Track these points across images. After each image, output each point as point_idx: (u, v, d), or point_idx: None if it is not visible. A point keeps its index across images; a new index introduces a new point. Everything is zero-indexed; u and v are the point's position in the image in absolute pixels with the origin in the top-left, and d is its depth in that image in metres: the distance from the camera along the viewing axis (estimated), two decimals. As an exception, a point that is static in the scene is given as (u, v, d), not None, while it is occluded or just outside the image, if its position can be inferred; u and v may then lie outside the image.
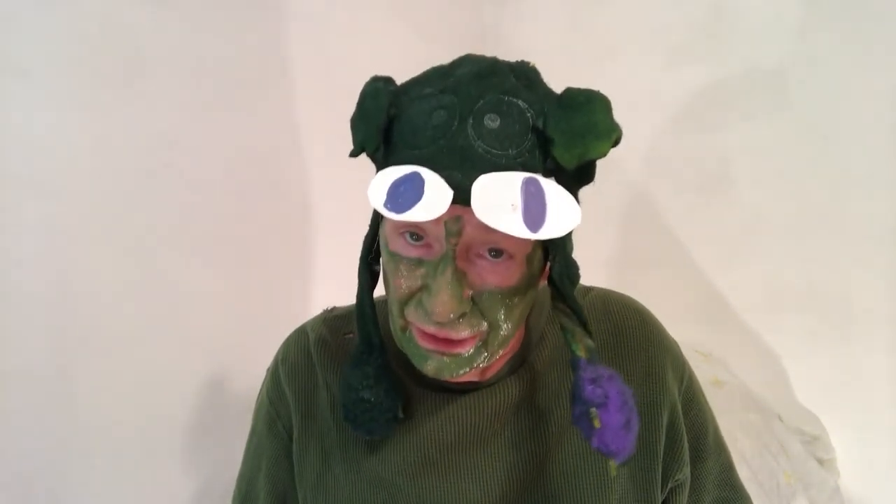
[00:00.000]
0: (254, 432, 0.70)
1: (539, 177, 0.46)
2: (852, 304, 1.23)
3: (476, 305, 0.51)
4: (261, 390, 0.71)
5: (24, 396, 0.87)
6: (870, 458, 1.23)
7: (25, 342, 0.88)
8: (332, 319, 0.69)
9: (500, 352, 0.55)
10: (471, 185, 0.45)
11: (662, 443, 0.63)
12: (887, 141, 1.17)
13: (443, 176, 0.46)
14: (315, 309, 0.74)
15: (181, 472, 1.06)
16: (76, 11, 0.93)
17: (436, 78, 0.52)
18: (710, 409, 0.69)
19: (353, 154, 0.54)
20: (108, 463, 0.96)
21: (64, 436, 0.91)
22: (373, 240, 0.57)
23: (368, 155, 0.54)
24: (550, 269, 0.53)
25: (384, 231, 0.54)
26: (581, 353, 0.53)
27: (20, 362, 0.87)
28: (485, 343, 0.53)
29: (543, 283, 0.57)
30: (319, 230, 1.29)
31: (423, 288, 0.50)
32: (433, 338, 0.52)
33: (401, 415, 0.59)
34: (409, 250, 0.51)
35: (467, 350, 0.52)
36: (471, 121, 0.47)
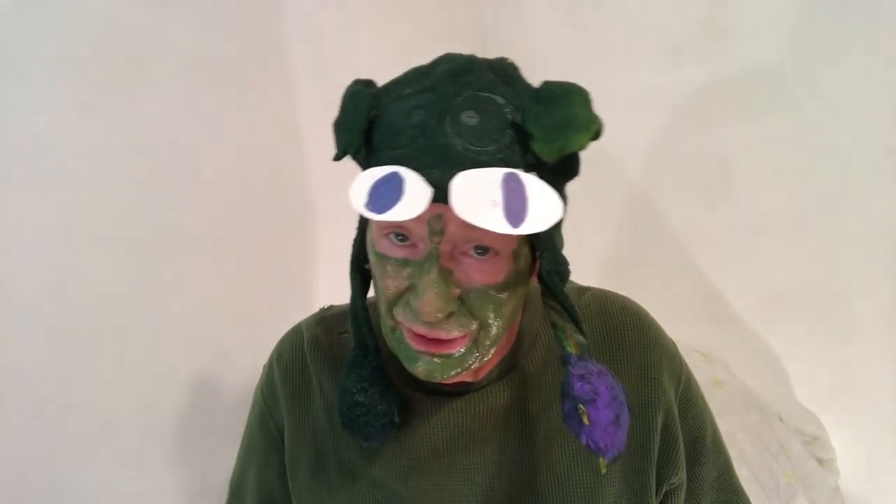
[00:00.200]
0: (248, 427, 0.71)
1: (520, 172, 0.46)
2: (852, 304, 1.23)
3: (464, 304, 0.50)
4: (256, 387, 0.71)
5: (24, 396, 0.87)
6: (870, 458, 1.23)
7: (25, 342, 0.88)
8: (328, 318, 0.69)
9: (492, 351, 0.55)
10: (450, 182, 0.45)
11: (657, 446, 0.62)
12: (887, 141, 1.17)
13: (422, 175, 0.46)
14: (316, 308, 0.74)
15: (182, 471, 1.06)
16: (76, 11, 0.93)
17: (415, 78, 0.51)
18: (708, 411, 0.68)
19: (337, 158, 0.54)
20: (109, 463, 0.96)
21: (64, 436, 0.91)
22: (362, 242, 0.57)
23: (352, 157, 0.54)
24: (539, 265, 0.53)
25: (370, 232, 0.54)
26: (571, 350, 0.52)
27: (20, 362, 0.87)
28: (475, 343, 0.52)
29: (534, 281, 0.57)
30: (320, 229, 1.29)
31: (410, 288, 0.50)
32: (423, 338, 0.51)
33: (397, 419, 0.59)
34: (395, 251, 0.51)
35: (458, 350, 0.52)
36: (448, 118, 0.47)
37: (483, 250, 0.49)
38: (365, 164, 0.52)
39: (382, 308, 0.54)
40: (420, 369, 0.52)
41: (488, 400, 0.61)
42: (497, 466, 0.61)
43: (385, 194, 0.46)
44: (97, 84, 0.95)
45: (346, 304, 0.64)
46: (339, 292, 0.75)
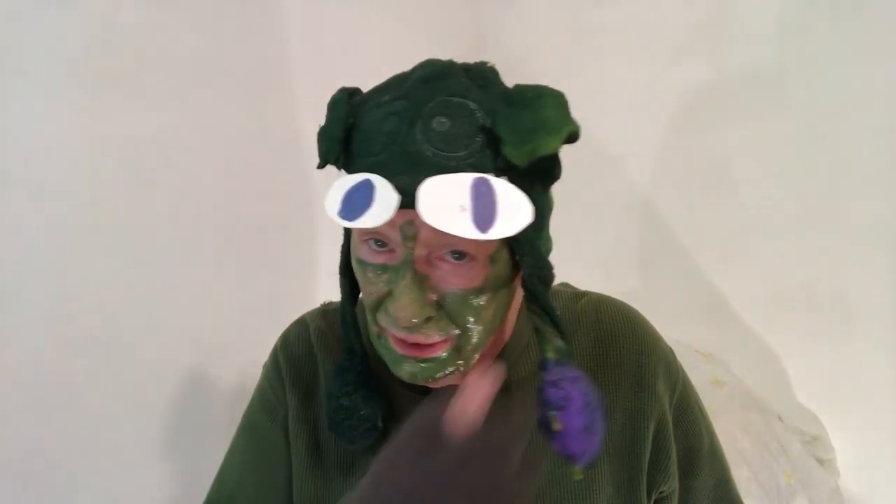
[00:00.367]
0: (246, 419, 0.69)
1: (490, 176, 0.46)
2: (852, 303, 1.23)
3: (443, 309, 0.50)
4: (258, 383, 0.70)
5: (24, 396, 0.87)
6: (870, 458, 1.23)
7: (25, 342, 0.88)
8: (331, 313, 0.69)
9: (476, 356, 0.54)
10: (417, 191, 0.45)
11: (648, 452, 0.62)
12: (887, 141, 1.17)
13: (392, 181, 0.46)
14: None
15: (182, 471, 1.06)
16: (76, 11, 0.93)
17: (393, 85, 0.52)
18: (707, 421, 0.67)
19: (319, 166, 0.55)
20: (109, 462, 0.96)
21: (64, 436, 0.91)
22: (348, 248, 0.57)
23: (334, 165, 0.55)
24: (521, 271, 0.53)
25: (352, 239, 0.55)
26: (550, 355, 0.52)
27: (20, 362, 0.87)
28: (457, 348, 0.52)
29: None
30: (320, 229, 1.29)
31: (389, 294, 0.50)
32: (405, 343, 0.52)
33: (380, 424, 0.59)
34: (374, 256, 0.52)
35: (440, 353, 0.52)
36: (419, 124, 0.47)
37: (459, 255, 0.49)
38: (343, 170, 0.53)
39: (367, 314, 0.54)
40: (404, 372, 0.53)
41: None
42: None
43: (357, 202, 0.47)
44: (97, 84, 0.95)
45: None
46: (338, 292, 0.75)
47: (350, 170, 0.51)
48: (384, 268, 0.51)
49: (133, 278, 0.99)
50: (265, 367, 0.69)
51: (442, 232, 0.45)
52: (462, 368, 0.54)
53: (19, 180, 0.87)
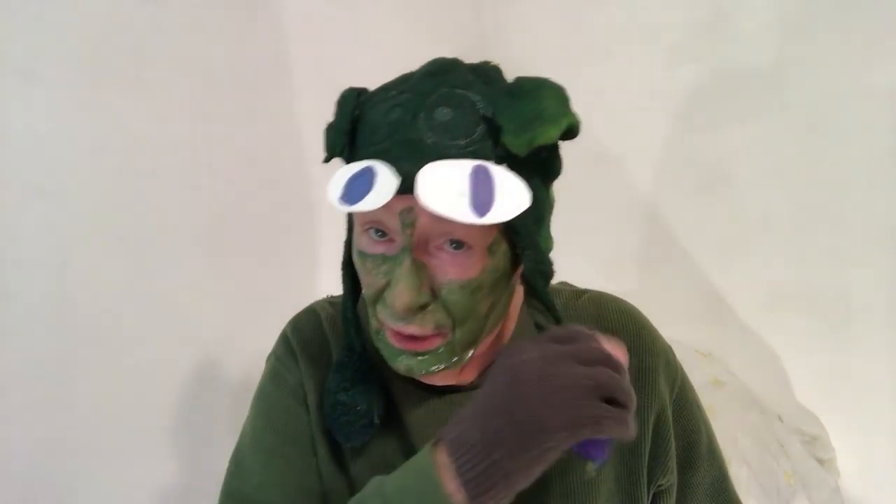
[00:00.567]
0: (263, 404, 0.65)
1: (489, 164, 0.47)
2: (852, 304, 1.23)
3: (440, 300, 0.51)
4: (268, 371, 0.68)
5: (24, 396, 0.87)
6: (870, 458, 1.23)
7: (25, 342, 0.88)
8: (338, 304, 0.69)
9: (471, 351, 0.55)
10: (416, 176, 0.46)
11: (648, 446, 0.62)
12: (887, 141, 1.17)
13: (393, 167, 0.48)
14: (315, 309, 0.74)
15: (183, 470, 1.06)
16: (76, 11, 0.93)
17: (400, 81, 0.53)
18: (705, 419, 0.68)
19: (325, 160, 0.56)
20: (109, 462, 0.96)
21: (64, 435, 0.91)
22: (350, 245, 0.58)
23: (340, 158, 0.55)
24: (521, 265, 0.53)
25: (354, 232, 0.55)
26: None
27: (20, 362, 0.87)
28: (451, 343, 0.53)
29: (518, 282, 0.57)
30: (320, 229, 1.29)
31: (387, 284, 0.51)
32: (402, 336, 0.52)
33: (377, 421, 0.59)
34: (374, 247, 0.52)
35: (436, 347, 0.53)
36: (423, 114, 0.49)
37: (457, 244, 0.50)
38: (348, 163, 0.53)
39: (368, 308, 0.55)
40: (401, 366, 0.53)
41: None
42: None
43: (358, 187, 0.48)
44: (98, 84, 0.95)
45: None
46: (338, 292, 0.75)
47: (353, 160, 0.52)
48: (383, 258, 0.52)
49: (133, 277, 0.99)
50: (273, 355, 0.67)
51: (440, 219, 0.47)
52: (457, 364, 0.54)
53: (19, 180, 0.87)
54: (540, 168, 0.52)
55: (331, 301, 0.70)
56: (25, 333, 0.88)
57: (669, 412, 0.64)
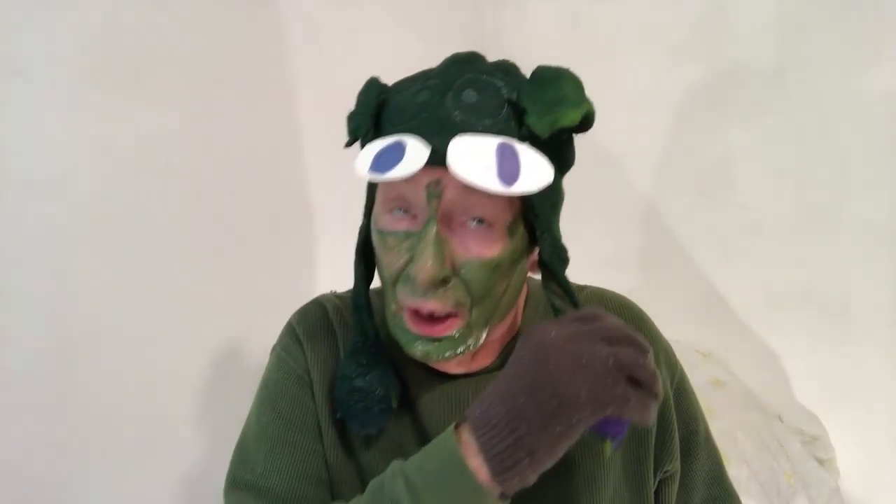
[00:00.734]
0: (268, 393, 0.65)
1: (514, 141, 0.50)
2: (852, 304, 1.23)
3: (460, 278, 0.52)
4: (273, 362, 0.67)
5: (24, 396, 0.87)
6: (870, 458, 1.23)
7: (25, 342, 0.88)
8: (343, 296, 0.70)
9: (484, 334, 0.56)
10: (447, 147, 0.49)
11: (654, 433, 0.64)
12: (887, 141, 1.17)
13: (423, 140, 0.50)
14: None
15: (182, 471, 1.06)
16: (76, 12, 0.93)
17: (422, 74, 0.56)
18: (701, 409, 0.70)
19: (348, 144, 0.57)
20: (109, 462, 0.96)
21: (64, 436, 0.91)
22: (367, 229, 0.59)
23: (361, 143, 0.57)
24: (540, 249, 0.55)
25: (374, 213, 0.57)
26: None
27: (20, 362, 0.87)
28: (468, 325, 0.54)
29: (533, 272, 0.59)
30: (320, 229, 1.29)
31: (410, 260, 0.52)
32: (420, 320, 0.53)
33: (394, 405, 0.59)
34: (396, 224, 0.54)
35: (452, 332, 0.54)
36: (450, 95, 0.52)
37: (479, 221, 0.52)
38: (372, 139, 0.55)
39: (387, 290, 0.55)
40: (417, 351, 0.54)
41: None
42: None
43: (388, 159, 0.50)
44: (98, 84, 0.95)
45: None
46: (339, 288, 0.75)
47: (376, 138, 0.54)
48: (406, 234, 0.53)
49: (133, 277, 0.99)
50: (278, 345, 0.67)
51: (466, 194, 0.50)
52: (472, 347, 0.56)
53: (19, 180, 0.87)
54: (557, 154, 0.54)
55: (336, 294, 0.70)
56: (25, 333, 0.88)
57: (671, 400, 0.66)
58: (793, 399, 1.31)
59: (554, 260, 0.55)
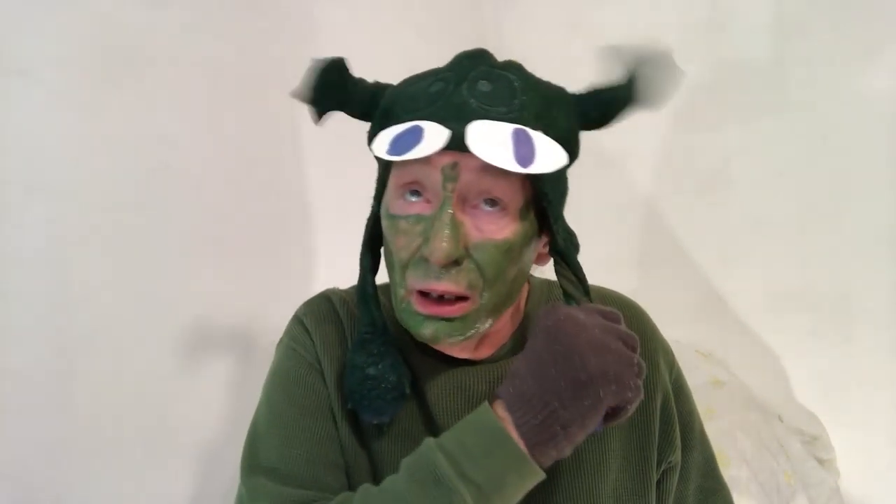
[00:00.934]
0: (280, 381, 0.64)
1: (527, 128, 0.52)
2: (852, 304, 1.23)
3: (472, 260, 0.53)
4: (278, 356, 0.67)
5: (24, 396, 0.87)
6: (870, 458, 1.23)
7: (25, 342, 0.88)
8: (348, 290, 0.70)
9: (491, 320, 0.57)
10: (465, 130, 0.50)
11: (657, 425, 0.65)
12: (887, 141, 1.17)
13: (440, 125, 0.51)
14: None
15: (182, 471, 1.06)
16: (76, 11, 0.93)
17: (432, 70, 0.58)
18: (695, 404, 0.72)
19: (316, 118, 0.61)
20: (109, 463, 0.96)
21: (64, 436, 0.91)
22: (375, 221, 0.60)
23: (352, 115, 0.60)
24: (554, 235, 0.57)
25: (385, 200, 0.58)
26: None
27: (20, 362, 0.87)
28: (478, 309, 0.55)
29: (540, 262, 0.61)
30: (319, 229, 1.29)
31: (423, 242, 0.53)
32: (429, 301, 0.54)
33: (407, 391, 0.59)
34: (409, 208, 0.55)
35: (463, 314, 0.54)
36: (465, 85, 0.53)
37: (492, 202, 0.53)
38: (380, 128, 0.56)
39: (397, 276, 0.56)
40: (427, 332, 0.55)
41: (504, 371, 0.63)
42: None
43: (406, 141, 0.51)
44: (98, 84, 0.95)
45: (354, 286, 0.65)
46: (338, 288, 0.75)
47: (388, 125, 0.55)
48: (419, 218, 0.54)
49: (133, 277, 0.99)
50: (286, 336, 0.67)
51: (481, 176, 0.51)
52: (480, 330, 0.57)
53: (19, 180, 0.87)
54: (566, 146, 0.55)
55: (339, 289, 0.71)
56: (25, 333, 0.88)
57: (671, 392, 0.68)
58: (793, 399, 1.31)
59: (567, 245, 0.57)
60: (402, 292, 0.56)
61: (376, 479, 0.60)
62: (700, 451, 0.70)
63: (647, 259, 1.53)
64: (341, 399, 0.62)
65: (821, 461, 1.23)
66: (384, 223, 0.58)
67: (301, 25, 1.27)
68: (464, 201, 0.53)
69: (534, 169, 0.50)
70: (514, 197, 0.53)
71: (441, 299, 0.54)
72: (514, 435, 0.48)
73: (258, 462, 0.60)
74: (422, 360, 0.63)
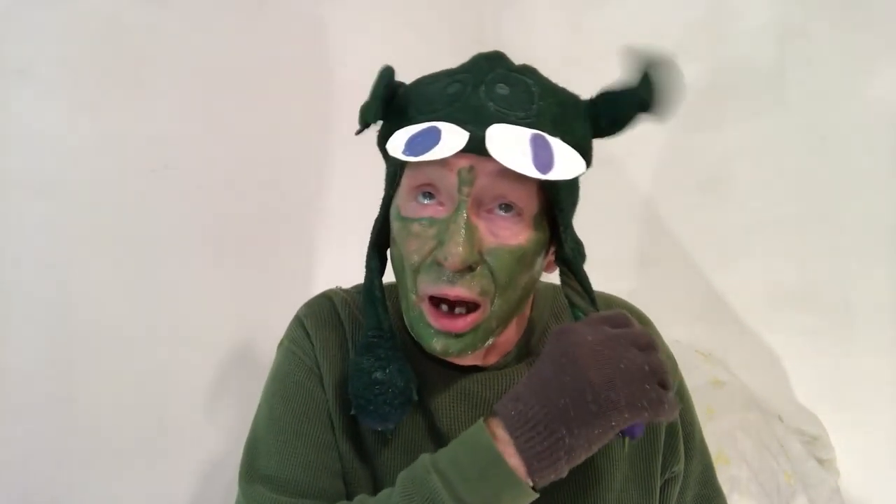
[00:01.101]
0: (279, 386, 0.64)
1: (545, 134, 0.51)
2: (852, 303, 1.23)
3: (486, 265, 0.53)
4: (278, 358, 0.67)
5: (24, 396, 0.87)
6: (870, 458, 1.23)
7: (25, 342, 0.88)
8: (350, 290, 0.69)
9: (500, 329, 0.56)
10: (484, 134, 0.50)
11: (663, 435, 0.65)
12: (887, 141, 1.17)
13: (458, 127, 0.51)
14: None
15: (182, 471, 1.06)
16: (76, 11, 0.93)
17: (447, 70, 0.57)
18: (695, 411, 0.72)
19: (359, 131, 0.57)
20: (108, 463, 0.96)
21: (64, 436, 0.91)
22: (383, 223, 0.59)
23: (372, 123, 0.57)
24: (562, 244, 0.56)
25: (396, 202, 0.57)
26: None
27: (20, 362, 0.87)
28: (489, 318, 0.54)
29: (548, 272, 0.60)
30: (320, 229, 1.29)
31: (437, 246, 0.52)
32: (441, 314, 0.54)
33: (415, 397, 0.58)
34: (422, 211, 0.54)
35: (473, 328, 0.54)
36: (483, 87, 0.53)
37: (507, 207, 0.53)
38: (396, 127, 0.55)
39: (407, 280, 0.55)
40: (437, 346, 0.54)
41: (509, 378, 0.63)
42: None
43: (422, 142, 0.51)
44: (98, 84, 0.95)
45: (358, 285, 0.65)
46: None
47: (403, 125, 0.54)
48: (431, 221, 0.53)
49: (133, 277, 0.99)
50: (287, 338, 0.67)
51: (498, 180, 0.51)
52: (491, 340, 0.56)
53: (19, 180, 0.88)
54: (582, 153, 0.54)
55: (341, 289, 0.70)
56: (25, 333, 0.88)
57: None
58: (793, 399, 1.31)
59: (575, 254, 0.57)
60: (413, 298, 0.55)
61: (378, 484, 0.60)
62: (699, 459, 0.70)
63: (647, 259, 1.53)
64: (340, 404, 0.61)
65: (821, 461, 1.23)
66: (395, 225, 0.57)
67: (301, 25, 1.27)
68: (478, 205, 0.52)
69: (553, 175, 0.50)
70: (529, 203, 0.53)
71: (452, 311, 0.54)
72: (513, 461, 0.47)
73: (256, 469, 0.60)
74: (427, 365, 0.62)
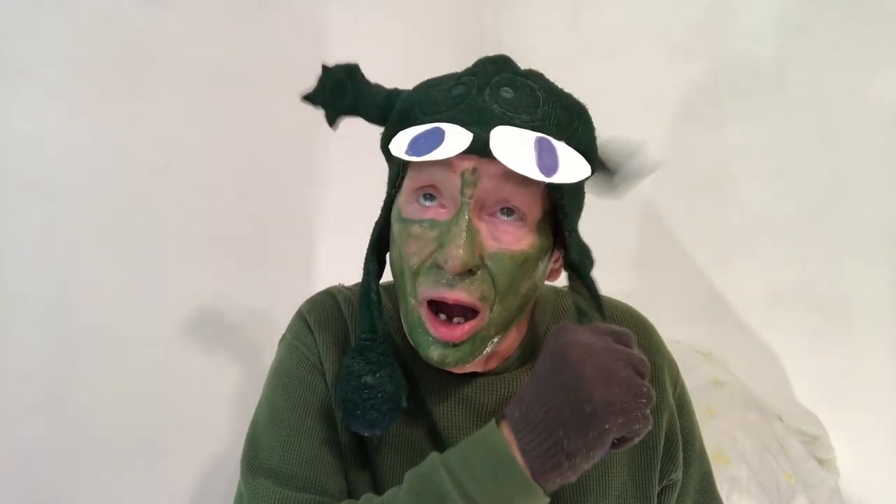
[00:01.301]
0: (281, 382, 0.63)
1: (550, 138, 0.51)
2: (852, 303, 1.23)
3: (486, 269, 0.52)
4: (279, 353, 0.66)
5: (24, 396, 0.87)
6: (870, 458, 1.23)
7: (25, 342, 0.88)
8: (352, 288, 0.69)
9: (499, 337, 0.56)
10: (488, 135, 0.49)
11: (662, 443, 0.65)
12: (887, 141, 1.17)
13: (463, 128, 0.50)
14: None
15: (182, 472, 1.06)
16: (76, 12, 0.93)
17: (451, 74, 0.57)
18: (696, 418, 0.72)
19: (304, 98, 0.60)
20: (109, 463, 0.96)
21: (64, 436, 0.91)
22: (384, 224, 0.59)
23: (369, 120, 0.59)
24: (568, 249, 0.56)
25: (398, 203, 0.56)
26: None
27: (20, 362, 0.87)
28: (487, 326, 0.53)
29: (551, 280, 0.60)
30: (320, 229, 1.29)
31: (437, 248, 0.52)
32: (439, 322, 0.53)
33: (404, 404, 0.57)
34: (423, 212, 0.54)
35: (471, 336, 0.53)
36: (488, 90, 0.52)
37: (510, 211, 0.52)
38: (399, 128, 0.55)
39: (405, 283, 0.54)
40: (434, 356, 0.53)
41: (509, 383, 0.62)
42: None
43: (426, 143, 0.50)
44: (98, 84, 0.96)
45: (358, 284, 0.64)
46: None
47: (407, 126, 0.54)
48: (433, 223, 0.53)
49: (133, 277, 0.99)
50: (289, 333, 0.66)
51: (501, 183, 0.50)
52: (489, 349, 0.56)
53: (19, 180, 0.88)
54: (586, 158, 0.54)
55: (343, 287, 0.70)
56: (25, 333, 0.88)
57: (675, 412, 0.67)
58: (793, 399, 1.31)
59: (582, 259, 0.56)
60: (412, 302, 0.54)
61: (377, 487, 0.60)
62: (698, 466, 0.69)
63: (647, 259, 1.53)
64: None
65: (821, 461, 1.23)
66: (395, 227, 0.56)
67: (302, 25, 1.27)
68: (481, 208, 0.52)
69: (557, 179, 0.49)
70: (532, 207, 0.53)
71: (450, 320, 0.53)
72: (520, 459, 0.46)
73: (259, 462, 0.59)
74: (426, 369, 0.61)
